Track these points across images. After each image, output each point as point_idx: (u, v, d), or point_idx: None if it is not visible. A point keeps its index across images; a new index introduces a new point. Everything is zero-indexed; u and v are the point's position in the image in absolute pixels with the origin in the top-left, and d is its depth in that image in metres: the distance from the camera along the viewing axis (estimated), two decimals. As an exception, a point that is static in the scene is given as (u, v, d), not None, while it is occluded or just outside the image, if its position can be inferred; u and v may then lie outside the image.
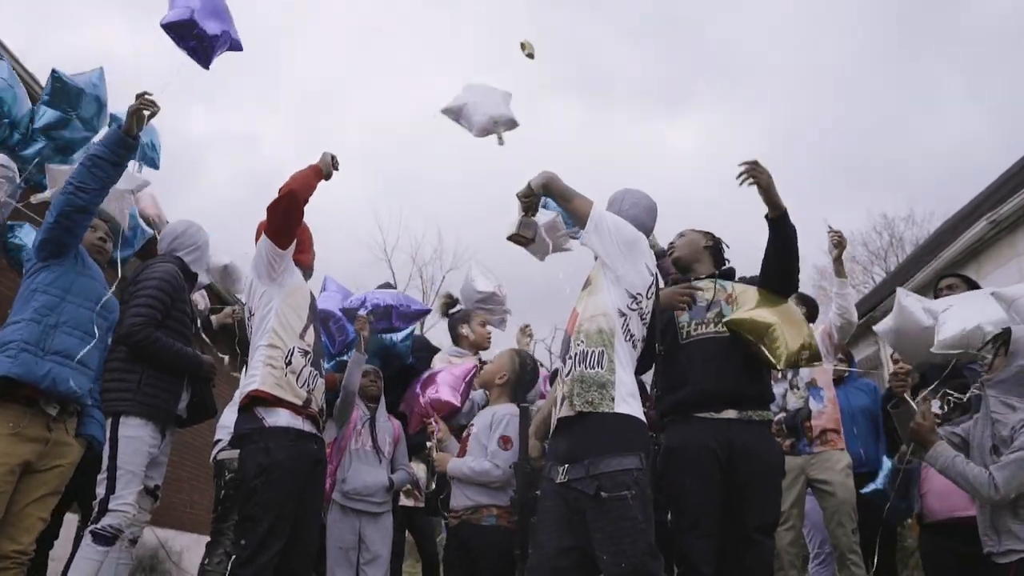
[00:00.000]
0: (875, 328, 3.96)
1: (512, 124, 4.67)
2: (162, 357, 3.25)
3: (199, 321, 3.90)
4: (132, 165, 4.07)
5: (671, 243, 3.41)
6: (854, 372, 4.90)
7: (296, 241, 3.26)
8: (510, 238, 2.89)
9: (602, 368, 2.51)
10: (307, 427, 3.10)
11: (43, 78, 4.57)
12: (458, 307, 5.05)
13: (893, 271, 14.87)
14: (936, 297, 4.57)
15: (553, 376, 6.99)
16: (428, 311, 5.29)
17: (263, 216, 3.23)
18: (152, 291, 3.29)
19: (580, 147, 33.89)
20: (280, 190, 3.11)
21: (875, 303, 10.58)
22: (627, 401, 2.49)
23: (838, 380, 5.06)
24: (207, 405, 3.52)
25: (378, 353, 4.51)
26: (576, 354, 2.59)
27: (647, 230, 2.90)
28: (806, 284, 4.78)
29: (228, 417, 4.10)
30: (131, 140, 3.00)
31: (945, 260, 8.00)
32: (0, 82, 3.90)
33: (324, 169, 3.24)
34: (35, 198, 4.03)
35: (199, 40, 3.75)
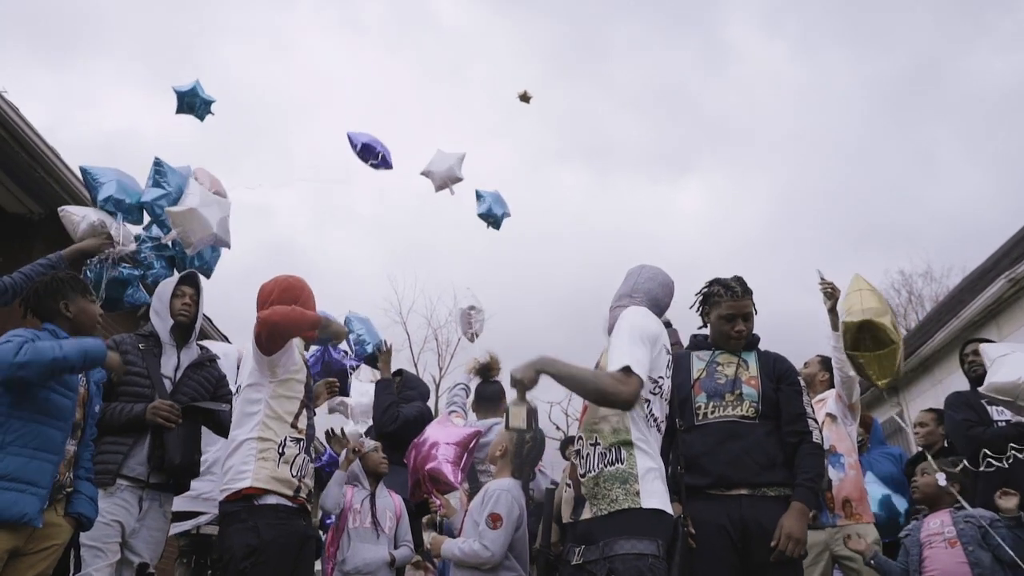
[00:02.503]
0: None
1: (457, 180, 6.01)
2: (105, 424, 3.12)
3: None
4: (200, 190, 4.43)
5: (745, 318, 3.12)
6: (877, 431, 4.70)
7: (298, 302, 3.17)
8: (510, 429, 2.61)
9: (622, 463, 2.39)
10: (295, 505, 3.00)
11: (65, 154, 5.57)
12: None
13: (913, 329, 14.62)
14: (962, 362, 4.47)
15: (566, 443, 6.89)
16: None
17: (264, 286, 3.21)
18: None
19: (589, 212, 34.34)
20: (264, 318, 2.94)
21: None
22: (653, 493, 2.36)
23: (861, 447, 4.90)
24: (168, 457, 3.25)
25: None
26: (593, 453, 2.47)
27: (662, 306, 2.79)
28: (826, 345, 4.64)
29: (204, 486, 3.88)
30: (98, 365, 2.84)
31: (965, 320, 7.94)
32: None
33: (323, 324, 3.13)
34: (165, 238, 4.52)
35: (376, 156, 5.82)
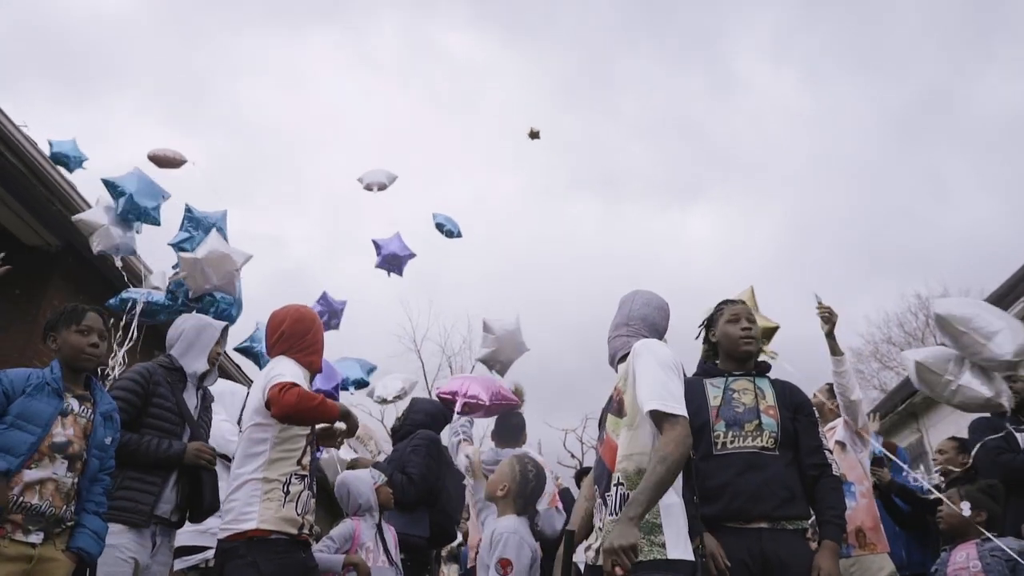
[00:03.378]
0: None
1: (382, 186, 7.07)
2: (138, 456, 3.13)
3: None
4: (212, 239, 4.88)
5: (750, 329, 3.09)
6: (875, 448, 4.59)
7: (306, 343, 3.18)
8: None
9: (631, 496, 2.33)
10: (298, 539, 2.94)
11: (82, 187, 6.03)
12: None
13: (932, 353, 14.42)
14: None
15: (581, 474, 6.79)
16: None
17: (276, 314, 3.22)
18: (117, 392, 3.21)
19: (600, 240, 34.39)
20: (285, 408, 2.81)
21: (916, 387, 10.21)
22: (678, 540, 2.30)
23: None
24: (203, 499, 3.29)
25: None
26: (617, 497, 2.42)
27: (661, 330, 2.76)
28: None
29: (212, 520, 3.71)
30: None
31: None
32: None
33: (339, 418, 3.05)
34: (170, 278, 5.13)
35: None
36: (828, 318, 3.96)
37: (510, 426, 4.78)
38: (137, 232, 5.31)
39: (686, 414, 2.36)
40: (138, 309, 5.20)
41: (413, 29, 35.22)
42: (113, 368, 5.53)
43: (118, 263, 5.63)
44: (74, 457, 2.83)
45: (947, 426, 9.12)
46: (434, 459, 4.47)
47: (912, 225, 36.04)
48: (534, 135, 6.96)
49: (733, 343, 3.07)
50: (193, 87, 33.23)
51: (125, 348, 5.49)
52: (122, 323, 5.88)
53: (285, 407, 2.80)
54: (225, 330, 3.76)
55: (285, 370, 2.99)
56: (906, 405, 10.45)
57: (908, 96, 37.45)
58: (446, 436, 4.91)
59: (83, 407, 2.91)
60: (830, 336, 3.99)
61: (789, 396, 3.01)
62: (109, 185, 4.98)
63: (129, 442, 3.12)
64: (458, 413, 4.76)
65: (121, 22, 32.05)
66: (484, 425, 5.47)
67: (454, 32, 36.23)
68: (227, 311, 5.00)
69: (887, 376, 24.40)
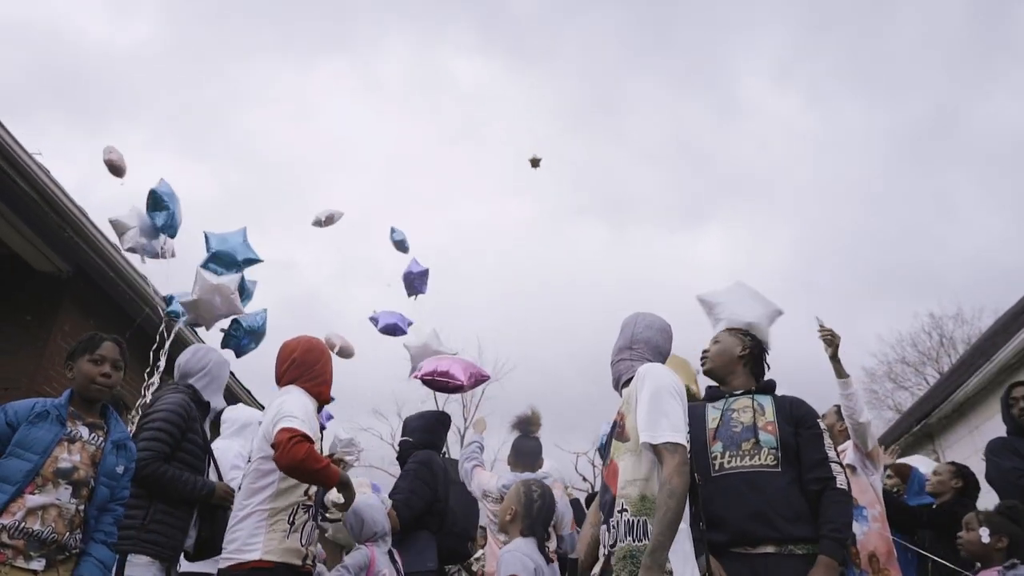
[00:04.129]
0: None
1: (329, 219, 7.73)
2: (172, 490, 3.16)
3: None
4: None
5: (705, 349, 3.19)
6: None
7: (315, 373, 3.19)
8: None
9: (650, 540, 2.27)
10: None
11: (94, 214, 6.32)
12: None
13: (947, 373, 14.27)
14: (1009, 406, 4.27)
15: (591, 498, 6.73)
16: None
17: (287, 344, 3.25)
18: (160, 423, 3.22)
19: (609, 263, 34.48)
20: (289, 464, 2.80)
21: (931, 407, 10.11)
22: (686, 567, 2.25)
23: (897, 499, 4.72)
24: (218, 538, 3.29)
25: None
26: (622, 523, 2.37)
27: (664, 353, 2.72)
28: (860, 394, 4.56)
29: None
30: None
31: (999, 363, 7.76)
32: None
33: (336, 484, 3.03)
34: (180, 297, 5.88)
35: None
36: (830, 341, 3.89)
37: (525, 450, 4.71)
38: (163, 255, 6.04)
39: (684, 441, 2.32)
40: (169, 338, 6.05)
41: (420, 57, 35.74)
42: (144, 394, 5.62)
43: (143, 262, 6.30)
44: (80, 483, 2.80)
45: (963, 447, 9.00)
46: (427, 482, 4.32)
47: (921, 245, 36.06)
48: (535, 163, 7.14)
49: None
50: (204, 116, 33.75)
51: (159, 374, 5.73)
52: (153, 348, 6.05)
53: (289, 460, 2.77)
54: None
55: (296, 406, 2.96)
56: (921, 426, 10.32)
57: (913, 117, 37.67)
58: (460, 459, 4.83)
59: (94, 434, 2.89)
60: (834, 359, 3.92)
61: (790, 409, 2.88)
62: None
63: (166, 474, 3.16)
64: (421, 379, 5.31)
65: (134, 54, 32.63)
66: (495, 449, 5.57)
67: (461, 59, 36.69)
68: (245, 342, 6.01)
69: (902, 396, 24.19)
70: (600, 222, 37.88)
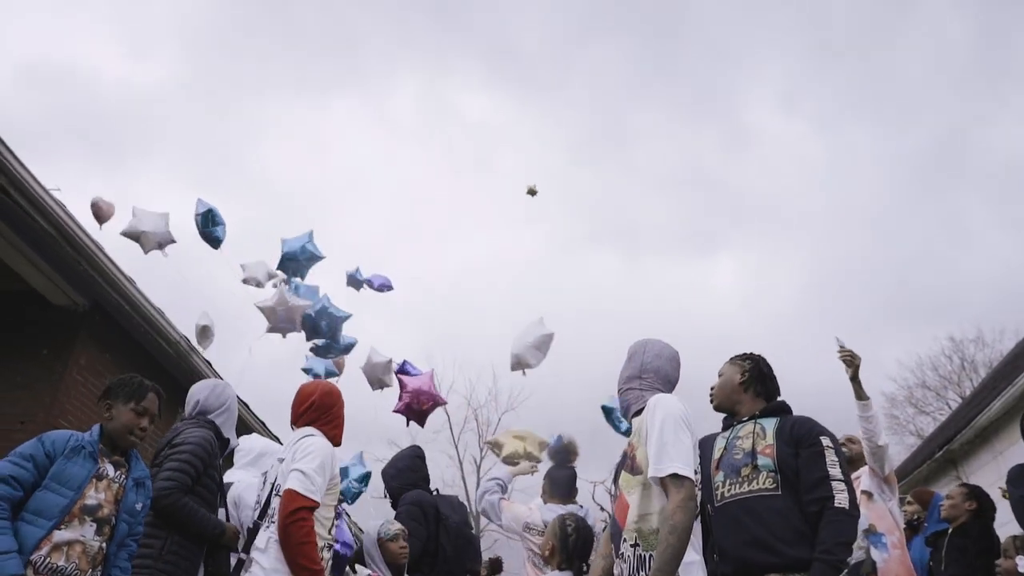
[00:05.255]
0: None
1: (258, 283, 7.05)
2: (190, 523, 3.17)
3: None
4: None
5: (712, 387, 3.12)
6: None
7: (332, 416, 3.24)
8: None
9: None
10: None
11: (109, 247, 6.41)
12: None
13: (968, 397, 14.06)
14: None
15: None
16: None
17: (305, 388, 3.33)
18: (187, 456, 3.24)
19: (623, 292, 34.46)
20: (294, 523, 2.83)
21: (953, 433, 9.94)
22: None
23: (917, 527, 4.63)
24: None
25: None
26: (634, 558, 2.35)
27: (673, 381, 2.71)
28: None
29: None
30: None
31: (1022, 386, 7.59)
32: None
33: None
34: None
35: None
36: (851, 362, 3.85)
37: (561, 480, 4.58)
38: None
39: (691, 475, 2.30)
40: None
41: (430, 92, 36.18)
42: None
43: (164, 255, 6.60)
44: (103, 521, 2.83)
45: (987, 472, 8.81)
46: (420, 522, 4.24)
47: (935, 269, 35.87)
48: (532, 192, 7.47)
49: None
50: (220, 152, 34.20)
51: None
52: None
53: (291, 530, 2.81)
54: None
55: (318, 455, 2.98)
56: (944, 452, 10.14)
57: (921, 141, 37.67)
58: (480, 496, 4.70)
59: (118, 472, 2.93)
60: (854, 380, 3.87)
61: (790, 430, 2.74)
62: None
63: (186, 507, 3.17)
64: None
65: (151, 92, 33.21)
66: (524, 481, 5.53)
67: (469, 93, 37.11)
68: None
69: (924, 421, 23.82)
70: (612, 251, 37.96)
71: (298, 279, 6.80)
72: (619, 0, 36.88)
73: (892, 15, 37.49)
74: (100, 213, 6.81)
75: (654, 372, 2.67)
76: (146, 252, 6.51)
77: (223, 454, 3.61)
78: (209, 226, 6.43)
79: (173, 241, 6.62)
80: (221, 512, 3.49)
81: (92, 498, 2.80)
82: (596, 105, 36.95)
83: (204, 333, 6.82)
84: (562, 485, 4.56)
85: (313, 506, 2.87)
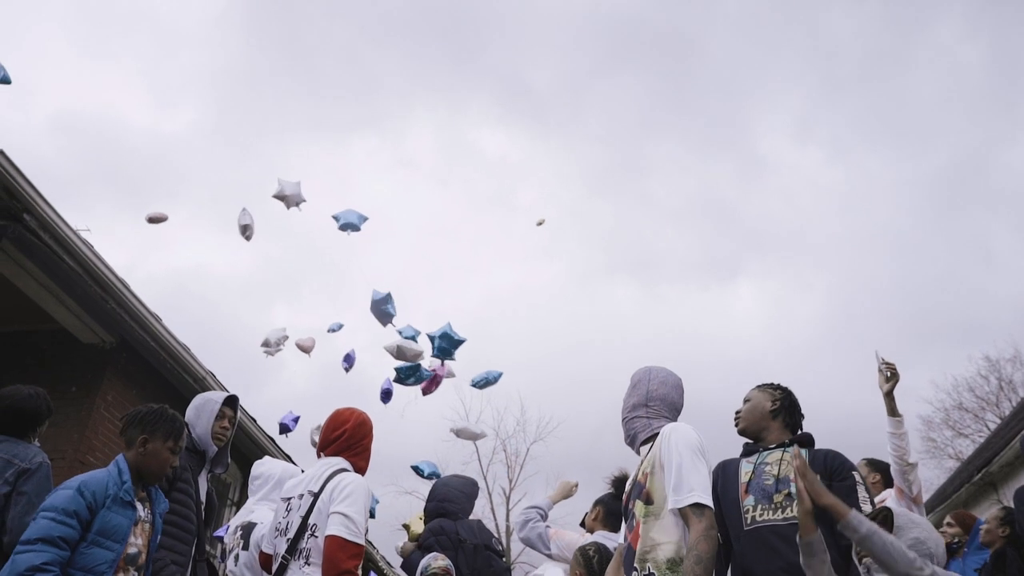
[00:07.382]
0: None
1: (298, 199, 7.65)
2: None
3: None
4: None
5: (737, 410, 3.11)
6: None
7: (362, 447, 3.20)
8: None
9: None
10: None
11: (136, 287, 6.42)
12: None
13: (1006, 418, 13.68)
14: None
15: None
16: None
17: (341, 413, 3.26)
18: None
19: (642, 321, 34.40)
20: (345, 565, 2.73)
21: (991, 455, 9.66)
22: None
23: (956, 550, 4.49)
24: None
25: None
26: None
27: (679, 408, 2.70)
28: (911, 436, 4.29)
29: None
30: None
31: (1061, 404, 7.37)
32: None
33: None
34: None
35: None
36: (892, 376, 3.76)
37: (614, 510, 4.40)
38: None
39: (710, 503, 2.29)
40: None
41: (447, 130, 36.61)
42: None
43: (299, 210, 7.53)
44: (142, 568, 2.82)
45: (1030, 495, 8.54)
46: (444, 548, 4.22)
47: (960, 291, 35.26)
48: (540, 223, 8.25)
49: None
50: (243, 193, 34.83)
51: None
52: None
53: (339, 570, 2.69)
54: (232, 401, 3.68)
55: (359, 496, 2.88)
56: (982, 475, 9.86)
57: (939, 164, 37.31)
58: (515, 522, 4.74)
59: (146, 510, 2.89)
60: (889, 396, 3.78)
61: (823, 461, 2.78)
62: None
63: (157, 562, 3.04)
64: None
65: (177, 137, 34.07)
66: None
67: (486, 129, 37.51)
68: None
69: (962, 444, 23.22)
70: (631, 281, 37.87)
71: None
72: (632, 33, 37.19)
73: (902, 41, 37.56)
74: (156, 220, 7.55)
75: (660, 400, 2.65)
76: (288, 208, 7.63)
77: (204, 468, 3.51)
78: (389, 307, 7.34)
79: (304, 200, 7.65)
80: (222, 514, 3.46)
81: (133, 546, 2.78)
82: (612, 138, 37.17)
83: (245, 231, 7.43)
84: (613, 514, 4.51)
85: (360, 552, 2.78)
